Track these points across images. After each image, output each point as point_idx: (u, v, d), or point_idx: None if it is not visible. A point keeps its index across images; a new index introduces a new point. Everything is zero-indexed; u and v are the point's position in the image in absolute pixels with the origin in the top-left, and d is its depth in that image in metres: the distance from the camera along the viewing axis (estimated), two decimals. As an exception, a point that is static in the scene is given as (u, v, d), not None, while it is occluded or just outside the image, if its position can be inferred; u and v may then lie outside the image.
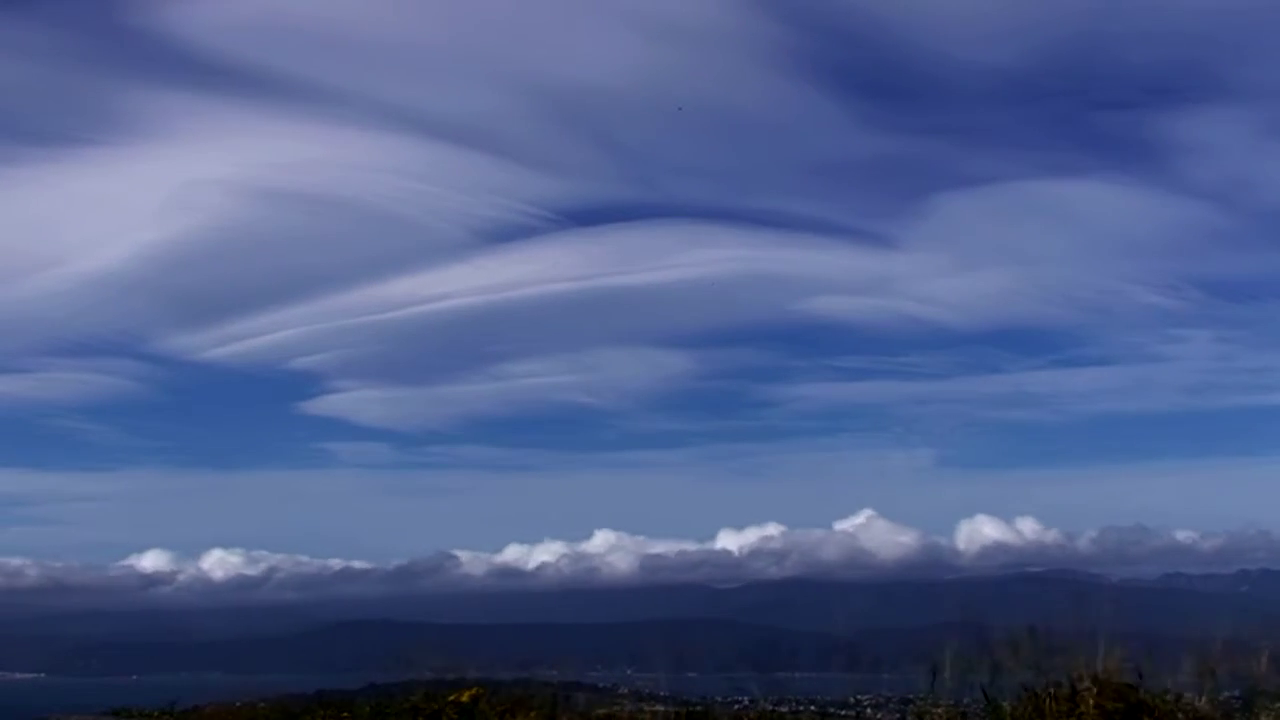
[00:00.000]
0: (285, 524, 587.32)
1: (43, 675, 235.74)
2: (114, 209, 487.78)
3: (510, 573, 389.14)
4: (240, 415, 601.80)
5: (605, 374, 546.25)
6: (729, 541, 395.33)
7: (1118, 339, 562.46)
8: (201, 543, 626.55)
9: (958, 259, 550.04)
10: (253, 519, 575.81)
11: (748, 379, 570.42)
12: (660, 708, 36.03)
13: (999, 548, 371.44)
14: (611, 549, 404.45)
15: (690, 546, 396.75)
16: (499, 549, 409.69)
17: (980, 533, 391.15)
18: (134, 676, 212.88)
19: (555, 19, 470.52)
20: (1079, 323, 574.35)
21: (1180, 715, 17.93)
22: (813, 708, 43.35)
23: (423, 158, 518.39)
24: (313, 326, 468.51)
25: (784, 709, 36.25)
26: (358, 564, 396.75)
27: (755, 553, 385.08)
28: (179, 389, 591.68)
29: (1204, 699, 18.02)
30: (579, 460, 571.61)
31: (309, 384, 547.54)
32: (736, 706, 36.73)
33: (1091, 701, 16.80)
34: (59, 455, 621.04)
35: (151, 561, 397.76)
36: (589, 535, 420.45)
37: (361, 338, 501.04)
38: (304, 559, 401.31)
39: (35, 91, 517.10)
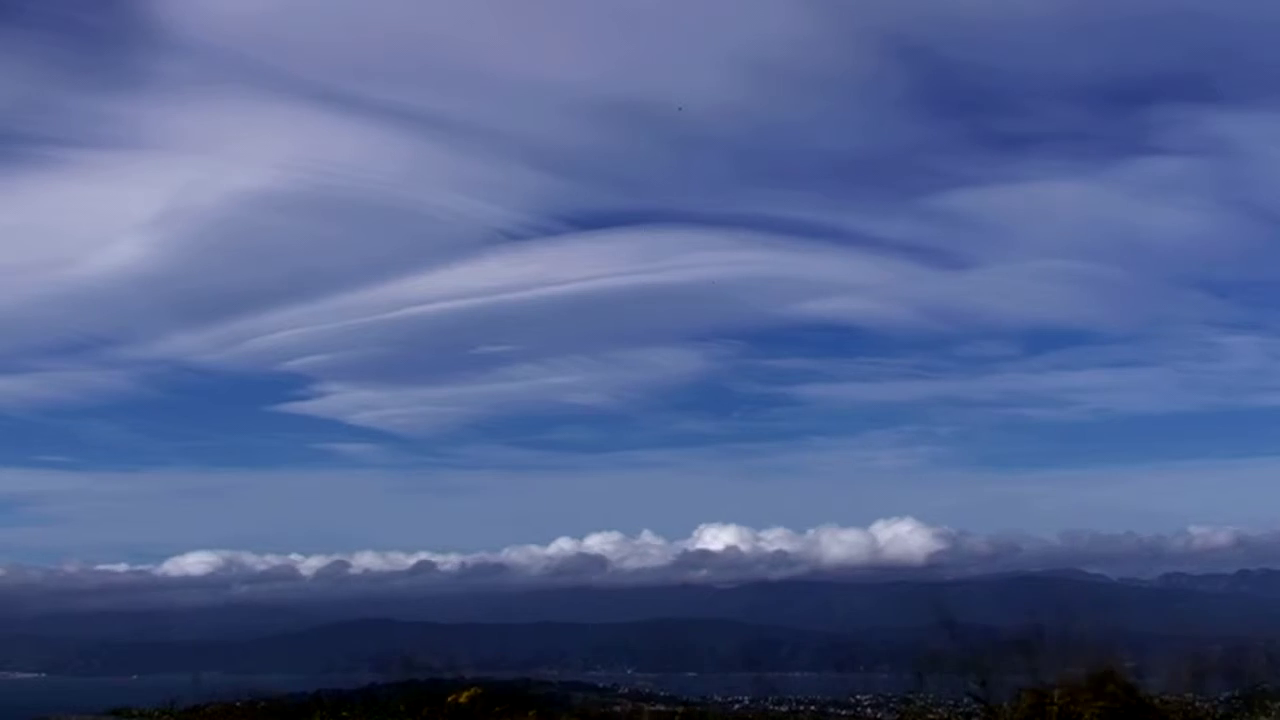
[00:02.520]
0: (285, 524, 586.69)
1: (43, 675, 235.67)
2: (115, 211, 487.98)
3: (511, 573, 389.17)
4: (243, 416, 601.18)
5: (613, 374, 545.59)
6: (731, 541, 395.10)
7: (1131, 340, 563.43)
8: (202, 543, 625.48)
9: (985, 259, 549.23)
10: (254, 519, 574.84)
11: (756, 380, 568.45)
12: (660, 707, 36.03)
13: (1001, 549, 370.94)
14: (612, 549, 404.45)
15: (691, 546, 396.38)
16: (500, 550, 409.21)
17: (983, 534, 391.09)
18: (134, 676, 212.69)
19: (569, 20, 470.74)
20: (1098, 324, 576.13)
21: (1180, 716, 17.90)
22: (812, 707, 43.31)
23: (434, 159, 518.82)
24: (317, 327, 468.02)
25: (783, 709, 36.24)
26: (359, 564, 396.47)
27: (757, 553, 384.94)
28: (180, 390, 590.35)
29: (1208, 700, 18.02)
30: (582, 461, 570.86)
31: (312, 384, 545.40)
32: (736, 706, 36.74)
33: (1093, 702, 16.75)
34: (60, 456, 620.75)
35: (152, 561, 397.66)
36: (590, 535, 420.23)
37: (366, 339, 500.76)
38: (305, 559, 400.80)
39: (37, 95, 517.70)
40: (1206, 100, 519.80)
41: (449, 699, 27.06)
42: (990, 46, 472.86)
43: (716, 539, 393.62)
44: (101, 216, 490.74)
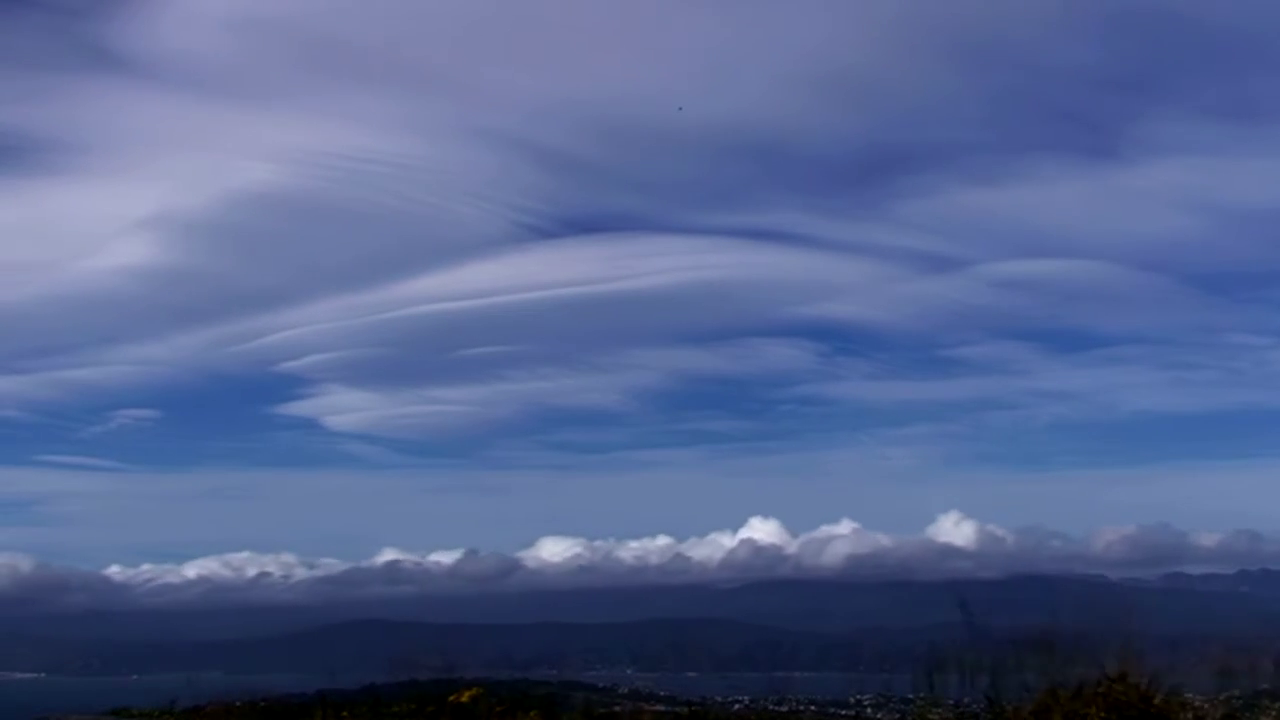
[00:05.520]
0: (286, 525, 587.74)
1: (43, 675, 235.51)
2: (115, 211, 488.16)
3: (511, 573, 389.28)
4: (243, 417, 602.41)
5: (618, 375, 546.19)
6: (730, 541, 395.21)
7: (1141, 341, 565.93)
8: (201, 543, 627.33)
9: (992, 260, 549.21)
10: (254, 520, 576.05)
11: (762, 381, 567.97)
12: (660, 707, 36.01)
13: (1003, 549, 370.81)
14: (614, 549, 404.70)
15: (693, 546, 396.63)
16: (501, 549, 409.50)
17: (985, 533, 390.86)
18: (134, 676, 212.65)
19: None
20: (1110, 325, 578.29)
21: (1184, 717, 17.86)
22: (813, 707, 43.27)
23: (438, 160, 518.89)
24: (316, 328, 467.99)
25: (784, 709, 36.20)
26: (359, 564, 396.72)
27: (757, 553, 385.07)
28: (181, 390, 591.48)
29: (1209, 701, 17.97)
30: (585, 462, 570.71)
31: (311, 385, 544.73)
32: (736, 706, 36.70)
33: (1096, 704, 16.72)
34: (59, 456, 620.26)
35: (152, 561, 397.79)
36: (592, 536, 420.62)
37: (366, 339, 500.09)
38: (305, 559, 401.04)
39: (36, 95, 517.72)
40: (1243, 102, 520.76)
41: (450, 698, 27.00)
42: (1015, 45, 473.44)
43: (718, 539, 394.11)
44: (101, 216, 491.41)
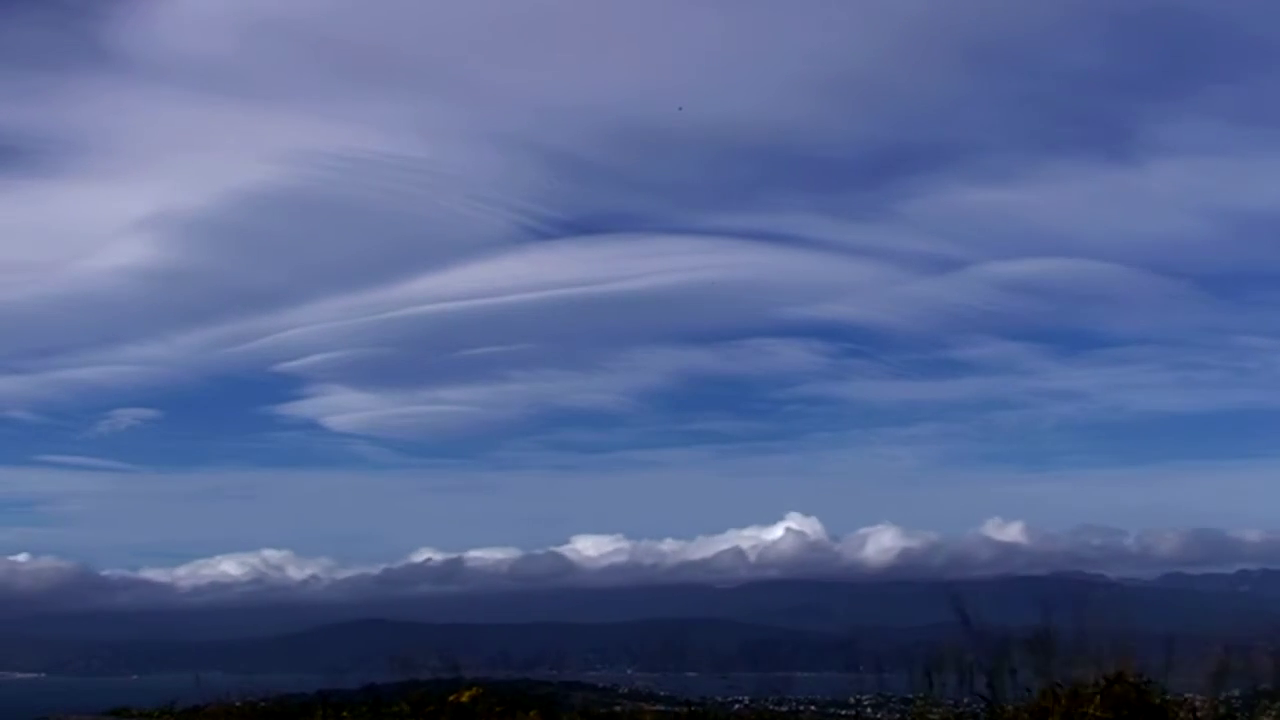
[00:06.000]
0: (285, 525, 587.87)
1: (43, 675, 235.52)
2: (115, 211, 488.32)
3: (510, 573, 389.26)
4: (242, 417, 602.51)
5: (618, 375, 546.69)
6: (731, 541, 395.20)
7: (1140, 341, 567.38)
8: (201, 543, 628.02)
9: (987, 260, 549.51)
10: (253, 520, 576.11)
11: (761, 381, 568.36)
12: (660, 707, 36.01)
13: (1004, 549, 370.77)
14: (615, 549, 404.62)
15: (692, 546, 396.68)
16: (501, 550, 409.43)
17: (986, 533, 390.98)
18: (134, 676, 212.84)
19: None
20: (1107, 324, 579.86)
21: (1183, 716, 17.88)
22: (812, 707, 43.29)
23: (438, 160, 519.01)
24: (316, 328, 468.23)
25: (784, 709, 36.20)
26: (358, 564, 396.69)
27: (758, 552, 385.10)
28: (181, 391, 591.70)
29: (1209, 701, 17.98)
30: (586, 461, 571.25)
31: (310, 385, 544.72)
32: (736, 706, 36.72)
33: (1094, 703, 16.74)
34: (59, 456, 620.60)
35: (151, 561, 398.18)
36: (592, 536, 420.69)
37: (365, 339, 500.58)
38: (305, 559, 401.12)
39: (35, 95, 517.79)
40: (1251, 104, 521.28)
41: (450, 698, 27.00)
42: (1023, 46, 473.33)
43: (716, 539, 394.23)
44: (101, 216, 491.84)
